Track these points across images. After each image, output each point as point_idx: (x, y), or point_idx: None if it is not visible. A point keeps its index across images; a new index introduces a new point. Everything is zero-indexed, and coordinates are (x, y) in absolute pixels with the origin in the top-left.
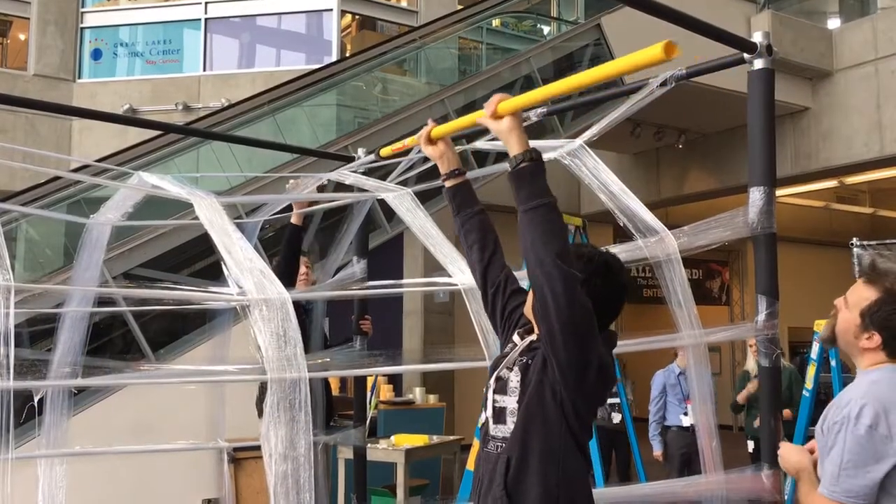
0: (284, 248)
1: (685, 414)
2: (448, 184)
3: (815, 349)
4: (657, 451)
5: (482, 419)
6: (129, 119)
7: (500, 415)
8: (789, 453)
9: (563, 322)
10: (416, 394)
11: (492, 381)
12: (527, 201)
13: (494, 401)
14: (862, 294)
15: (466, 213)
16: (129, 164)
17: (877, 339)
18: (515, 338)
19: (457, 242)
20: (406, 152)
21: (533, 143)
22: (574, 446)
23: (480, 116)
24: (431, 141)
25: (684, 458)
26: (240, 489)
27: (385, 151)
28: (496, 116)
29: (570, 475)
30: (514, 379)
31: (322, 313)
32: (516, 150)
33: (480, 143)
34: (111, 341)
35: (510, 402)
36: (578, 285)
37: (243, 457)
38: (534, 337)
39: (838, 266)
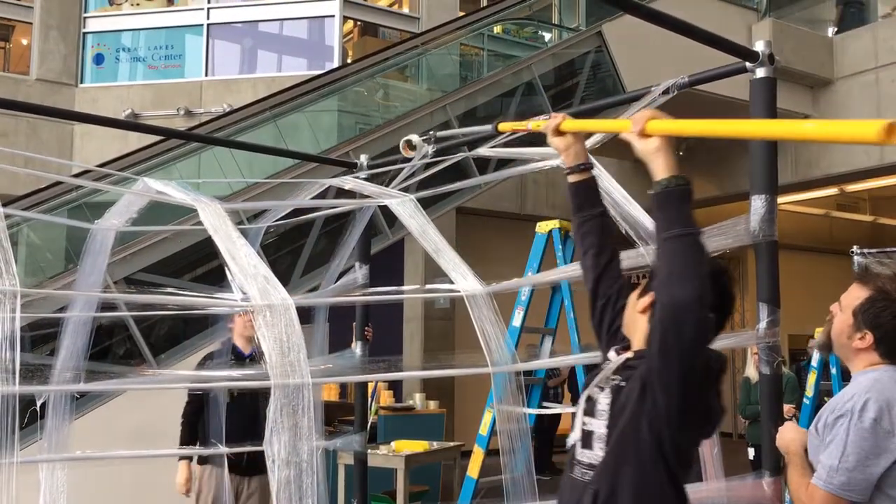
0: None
1: None
2: (571, 179)
3: (816, 357)
4: None
5: (570, 440)
6: (131, 124)
7: (587, 439)
8: (787, 430)
9: (684, 368)
10: (417, 400)
11: (582, 400)
12: (670, 228)
13: (584, 423)
14: (854, 295)
15: (587, 214)
16: (131, 170)
17: (869, 338)
18: (612, 354)
19: (457, 248)
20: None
21: (535, 150)
22: (671, 487)
23: (626, 129)
24: (559, 132)
25: None
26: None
27: (504, 126)
28: (644, 134)
29: None
30: (604, 401)
31: (324, 319)
32: (664, 173)
33: (483, 150)
34: (112, 346)
35: (598, 426)
36: (711, 331)
37: None
38: (630, 355)
39: (839, 274)
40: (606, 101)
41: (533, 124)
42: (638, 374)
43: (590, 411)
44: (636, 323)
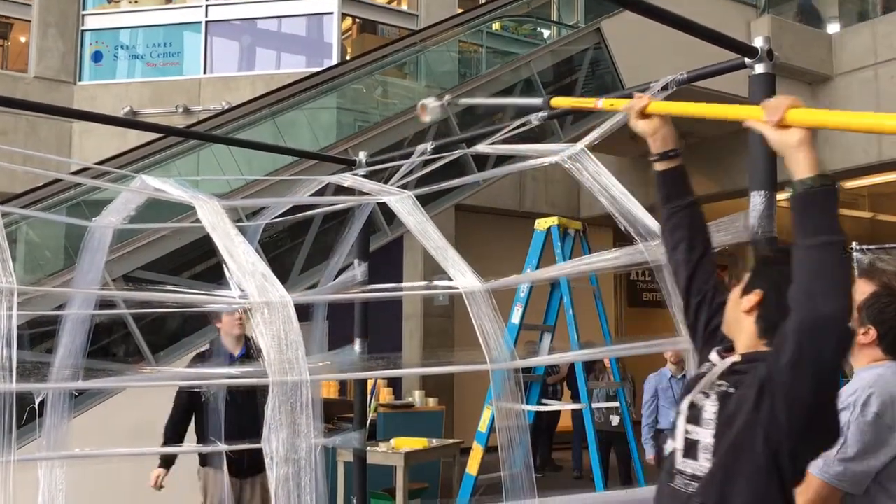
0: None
1: None
2: (659, 167)
3: None
4: (650, 455)
5: (669, 447)
6: (130, 122)
7: (691, 448)
8: None
9: (818, 383)
10: (416, 397)
11: (684, 406)
12: (814, 235)
13: (686, 431)
14: (860, 290)
15: (676, 205)
16: (130, 167)
17: (872, 333)
18: (714, 357)
19: (456, 245)
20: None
21: (534, 147)
22: (783, 502)
23: (755, 118)
24: (644, 114)
25: None
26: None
27: (560, 102)
28: (783, 125)
29: None
30: (710, 409)
31: (323, 316)
32: (807, 172)
33: (482, 147)
34: (111, 344)
35: (704, 434)
36: (850, 345)
37: None
38: (737, 358)
39: None
40: (606, 97)
41: (605, 102)
42: (753, 380)
43: (694, 419)
44: (741, 323)
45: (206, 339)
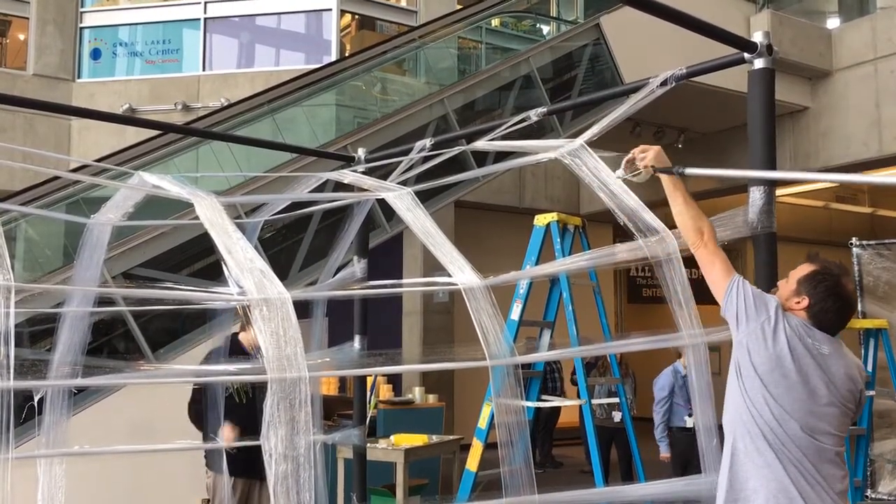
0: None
1: (690, 415)
2: None
3: None
4: (665, 454)
5: None
6: (128, 119)
7: None
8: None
9: None
10: (416, 393)
11: None
12: None
13: None
14: (801, 270)
15: None
16: (129, 164)
17: (804, 302)
18: None
19: (456, 241)
20: None
21: (533, 143)
22: None
23: None
24: None
25: (684, 459)
26: None
27: None
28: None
29: None
30: None
31: (322, 313)
32: None
33: (480, 144)
34: (111, 341)
35: None
36: None
37: None
38: None
39: None
40: (604, 93)
41: None
42: None
43: None
44: None
45: (206, 337)
